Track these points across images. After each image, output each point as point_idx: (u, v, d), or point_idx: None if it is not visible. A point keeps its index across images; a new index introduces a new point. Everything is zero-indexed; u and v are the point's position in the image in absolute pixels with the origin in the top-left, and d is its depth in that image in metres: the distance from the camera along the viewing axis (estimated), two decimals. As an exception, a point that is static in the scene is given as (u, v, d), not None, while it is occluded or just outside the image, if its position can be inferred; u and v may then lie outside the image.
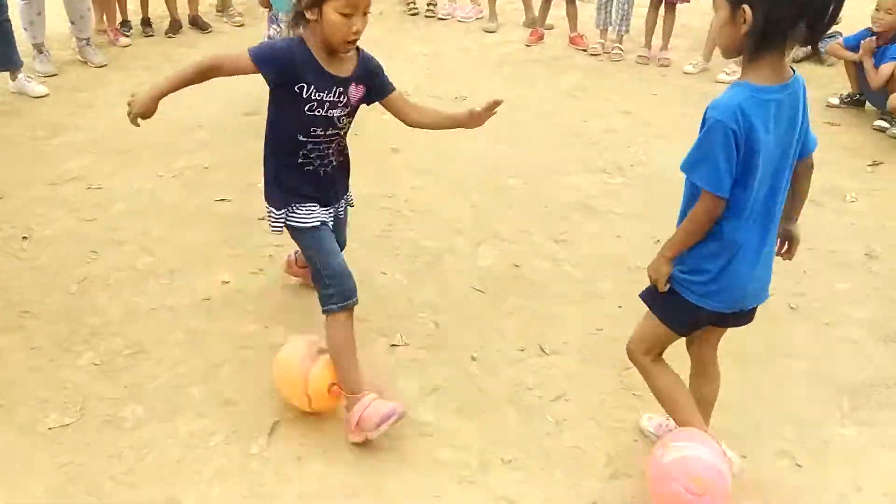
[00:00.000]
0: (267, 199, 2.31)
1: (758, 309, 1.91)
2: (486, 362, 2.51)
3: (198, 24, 5.74)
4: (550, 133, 4.23)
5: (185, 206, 3.39)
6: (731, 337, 2.59)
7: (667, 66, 5.29)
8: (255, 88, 4.62)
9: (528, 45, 5.74)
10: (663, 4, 5.27)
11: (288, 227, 2.26)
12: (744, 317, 1.88)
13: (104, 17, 5.44)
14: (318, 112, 2.14)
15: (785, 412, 2.30)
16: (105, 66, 5.02)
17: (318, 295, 2.22)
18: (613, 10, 5.45)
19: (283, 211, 2.26)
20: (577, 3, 5.75)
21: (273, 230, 2.30)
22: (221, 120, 4.25)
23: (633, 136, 4.20)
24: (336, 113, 2.18)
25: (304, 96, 2.10)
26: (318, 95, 2.11)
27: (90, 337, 2.57)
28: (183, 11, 5.75)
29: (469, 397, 2.37)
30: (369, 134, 4.08)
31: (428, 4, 6.40)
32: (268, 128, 2.28)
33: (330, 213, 2.31)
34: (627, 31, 5.48)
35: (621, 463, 2.13)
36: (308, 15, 2.03)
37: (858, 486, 2.05)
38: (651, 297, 1.94)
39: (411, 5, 6.43)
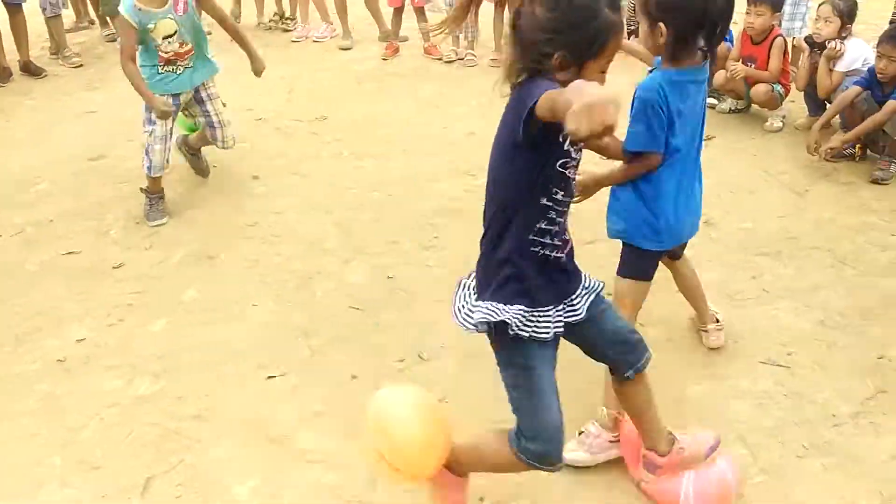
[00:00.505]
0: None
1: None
2: (366, 379, 2.50)
3: (30, 69, 5.38)
4: (413, 143, 4.28)
5: (28, 264, 3.17)
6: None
7: (517, 66, 5.50)
8: (93, 132, 4.44)
9: (384, 59, 5.78)
10: (506, 9, 5.47)
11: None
12: (682, 247, 2.42)
13: None
14: (568, 168, 1.61)
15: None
16: None
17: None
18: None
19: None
20: (427, 13, 5.86)
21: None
22: (62, 168, 4.01)
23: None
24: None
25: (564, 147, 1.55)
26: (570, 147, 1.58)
27: (-70, 421, 2.35)
28: (12, 58, 5.38)
29: (351, 417, 2.35)
30: (228, 164, 3.99)
31: (282, 18, 6.42)
32: (504, 192, 1.65)
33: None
34: (478, 36, 5.64)
35: (503, 455, 2.18)
36: (559, 75, 1.50)
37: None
38: (626, 267, 2.20)
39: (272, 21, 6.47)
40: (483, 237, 1.72)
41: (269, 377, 2.52)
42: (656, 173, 2.06)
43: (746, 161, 3.85)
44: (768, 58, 4.13)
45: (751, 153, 3.93)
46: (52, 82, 5.29)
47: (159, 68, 3.33)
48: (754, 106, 4.38)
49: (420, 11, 5.74)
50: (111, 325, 2.78)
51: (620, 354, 1.84)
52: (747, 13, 4.17)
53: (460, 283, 1.85)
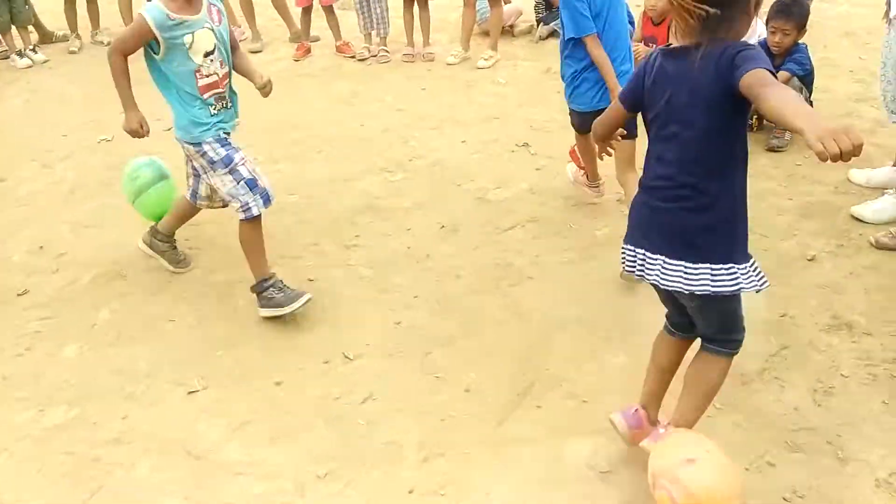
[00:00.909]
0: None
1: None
2: (291, 385, 2.47)
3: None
4: (329, 143, 4.23)
5: (-75, 298, 2.99)
6: (515, 300, 2.78)
7: (432, 60, 5.50)
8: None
9: (296, 60, 5.70)
10: (415, 2, 5.47)
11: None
12: None
13: None
14: None
15: (567, 356, 2.49)
16: None
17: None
18: (373, 14, 5.57)
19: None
20: (336, 11, 5.80)
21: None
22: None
23: (409, 131, 4.32)
24: None
25: None
26: None
27: None
28: None
29: (278, 423, 2.32)
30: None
31: None
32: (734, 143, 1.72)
33: None
34: (388, 33, 5.62)
35: (433, 445, 2.19)
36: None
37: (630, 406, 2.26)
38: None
39: None
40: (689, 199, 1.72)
41: (191, 392, 2.46)
42: None
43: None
44: (668, 38, 4.26)
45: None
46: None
47: (211, 108, 2.62)
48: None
49: (329, 10, 5.68)
50: (19, 354, 2.65)
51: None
52: None
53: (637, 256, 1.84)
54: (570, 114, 3.19)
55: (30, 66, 5.61)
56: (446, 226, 3.33)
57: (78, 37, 5.98)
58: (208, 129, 2.64)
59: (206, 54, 2.58)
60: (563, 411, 2.28)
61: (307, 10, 5.76)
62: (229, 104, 2.74)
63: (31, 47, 5.77)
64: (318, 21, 5.90)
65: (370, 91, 5.04)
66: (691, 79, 1.64)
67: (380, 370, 2.51)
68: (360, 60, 5.62)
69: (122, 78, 2.65)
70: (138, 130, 2.73)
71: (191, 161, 2.83)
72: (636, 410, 2.06)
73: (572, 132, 3.30)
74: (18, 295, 2.97)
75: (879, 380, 2.33)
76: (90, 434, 2.30)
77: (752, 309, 1.99)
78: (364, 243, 3.26)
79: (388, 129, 4.38)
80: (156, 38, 2.53)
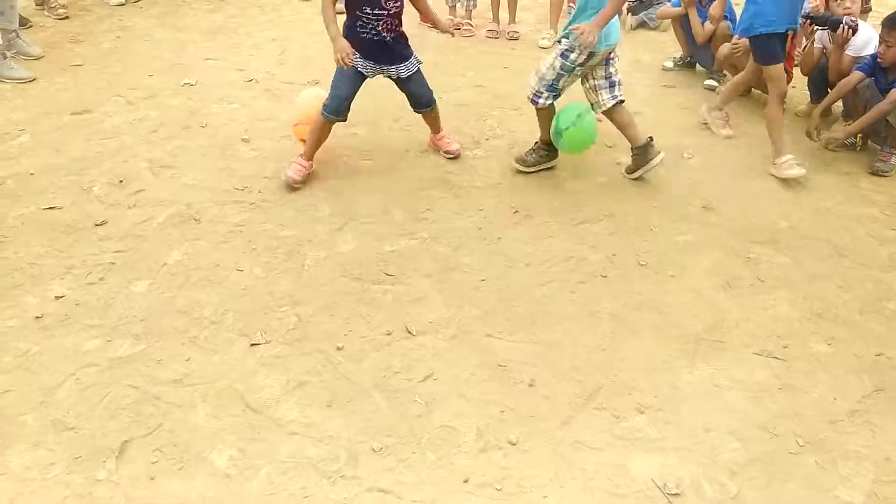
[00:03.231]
0: None
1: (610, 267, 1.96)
2: (351, 350, 2.45)
3: (14, 18, 5.18)
4: (406, 112, 4.16)
5: (8, 218, 3.06)
6: (586, 297, 2.70)
7: (516, 39, 5.37)
8: (77, 86, 4.29)
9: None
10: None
11: None
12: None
13: None
14: None
15: (638, 364, 2.41)
16: (42, 56, 4.64)
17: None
18: (461, -14, 5.47)
19: None
20: (425, -20, 5.70)
21: None
22: (45, 121, 3.87)
23: (487, 109, 4.23)
24: None
25: None
26: None
27: None
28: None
29: (336, 388, 2.30)
30: (217, 125, 3.88)
31: None
32: None
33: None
34: (475, 7, 5.51)
35: (491, 435, 2.14)
36: None
37: (707, 428, 2.17)
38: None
39: None
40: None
41: (253, 344, 2.46)
42: None
43: (748, 145, 3.79)
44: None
45: (752, 137, 3.87)
46: (37, 33, 5.11)
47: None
48: (756, 90, 4.32)
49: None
50: (92, 283, 2.69)
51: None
52: None
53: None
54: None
55: (121, 5, 5.69)
56: (520, 210, 3.25)
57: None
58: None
59: None
60: (632, 421, 2.20)
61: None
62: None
63: (125, -17, 5.84)
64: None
65: (451, 64, 4.95)
66: None
67: (442, 350, 2.47)
68: (442, 32, 5.52)
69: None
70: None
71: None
72: None
73: (657, 127, 3.20)
74: (96, 225, 3.01)
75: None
76: (153, 371, 2.32)
77: None
78: (434, 217, 3.20)
79: (465, 105, 4.30)
80: None
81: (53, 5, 5.45)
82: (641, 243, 3.01)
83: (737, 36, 4.12)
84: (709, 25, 4.38)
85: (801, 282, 2.79)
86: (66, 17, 5.39)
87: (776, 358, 2.43)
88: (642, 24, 5.50)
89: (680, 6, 4.59)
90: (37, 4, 5.56)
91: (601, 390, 2.30)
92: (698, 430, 2.15)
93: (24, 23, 5.16)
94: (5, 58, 4.37)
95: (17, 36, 4.65)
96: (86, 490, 1.93)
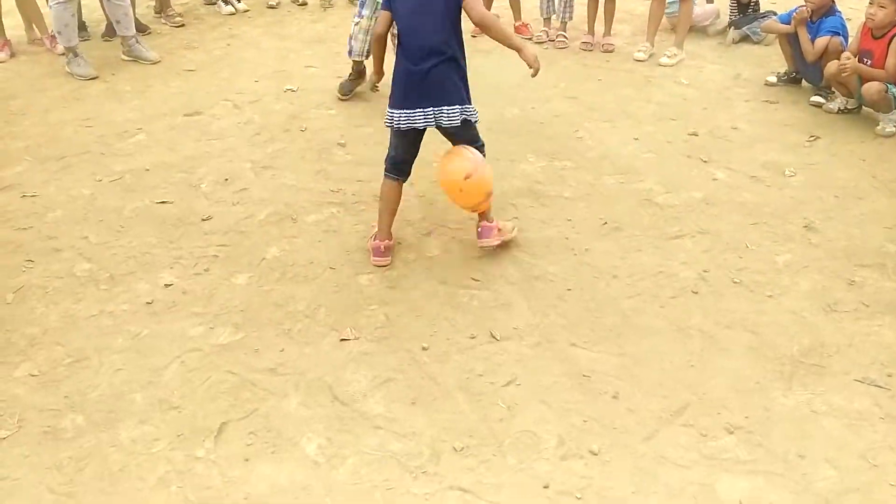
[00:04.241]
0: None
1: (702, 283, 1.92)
2: (436, 351, 2.50)
3: (135, 26, 5.58)
4: (498, 121, 4.22)
5: (125, 210, 3.30)
6: (675, 312, 2.65)
7: (611, 51, 5.33)
8: (190, 90, 4.57)
9: (473, 37, 5.71)
10: (604, -11, 5.31)
11: None
12: None
13: (33, 25, 5.26)
14: None
15: (727, 383, 2.34)
16: (159, 61, 5.01)
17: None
18: (557, -1, 5.48)
19: None
20: (522, -9, 5.75)
21: None
22: (160, 122, 4.15)
23: (579, 120, 4.22)
24: None
25: None
26: None
27: (27, 347, 2.49)
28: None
29: (420, 387, 2.36)
30: (315, 129, 4.05)
31: None
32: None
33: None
34: (571, 19, 5.50)
35: (572, 444, 2.14)
36: None
37: (801, 454, 2.09)
38: None
39: None
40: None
41: (343, 339, 2.55)
42: None
43: (854, 165, 3.62)
44: (886, 55, 3.86)
45: (859, 157, 3.69)
46: (155, 40, 5.47)
47: None
48: (866, 109, 4.11)
49: (516, -11, 5.64)
50: (198, 273, 2.86)
51: None
52: (870, 3, 3.91)
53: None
54: None
55: (232, 14, 6.02)
56: (609, 222, 3.23)
57: (279, -8, 6.34)
58: None
59: None
60: (720, 441, 2.14)
61: (488, -12, 5.76)
62: None
63: (235, -6, 6.18)
64: (498, 0, 5.89)
65: (544, 75, 4.89)
66: None
67: (525, 357, 2.48)
68: (537, 43, 5.55)
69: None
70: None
71: None
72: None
73: (757, 144, 3.08)
74: (203, 220, 3.21)
75: None
76: (251, 359, 2.45)
77: None
78: (522, 226, 3.21)
79: (558, 115, 4.30)
80: None
81: (170, 13, 5.83)
82: (736, 261, 2.92)
83: (845, 56, 3.95)
84: (819, 42, 4.20)
85: (909, 309, 2.65)
86: (182, 25, 5.75)
87: (879, 386, 2.30)
88: (745, 38, 5.34)
89: (788, 21, 4.43)
90: (156, 13, 5.96)
91: (688, 407, 2.25)
92: (791, 456, 2.07)
93: (143, 29, 5.55)
94: (76, 55, 4.73)
95: (137, 41, 5.01)
96: (185, 466, 2.05)
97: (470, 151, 2.84)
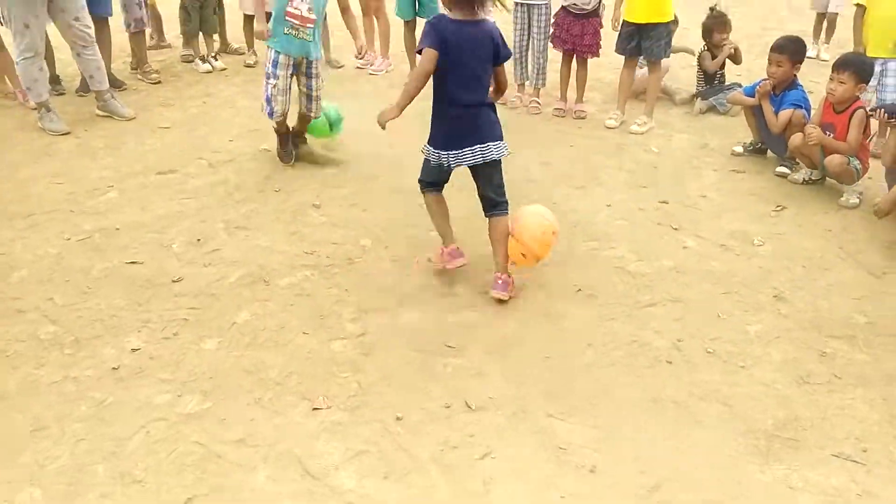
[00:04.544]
0: None
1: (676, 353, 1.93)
2: (410, 421, 2.45)
3: (112, 82, 5.59)
4: (470, 185, 4.26)
5: (93, 270, 3.23)
6: (650, 382, 2.65)
7: (583, 118, 5.47)
8: (165, 147, 4.56)
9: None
10: (575, 58, 5.49)
11: None
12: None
13: (6, 78, 5.24)
14: None
15: (703, 457, 2.33)
16: (134, 118, 5.02)
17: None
18: (529, 65, 5.63)
19: None
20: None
21: None
22: (133, 180, 4.12)
23: (552, 186, 4.29)
24: None
25: None
26: None
27: (-17, 416, 2.38)
28: (96, 69, 5.60)
29: (393, 460, 2.30)
30: (290, 191, 4.04)
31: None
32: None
33: None
34: (544, 85, 5.66)
35: (549, 520, 2.09)
36: None
37: (779, 530, 2.07)
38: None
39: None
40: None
41: (315, 409, 2.49)
42: None
43: (820, 236, 3.72)
44: (848, 128, 4.03)
45: (824, 227, 3.80)
46: (131, 96, 5.48)
47: (285, 29, 3.94)
48: (829, 180, 4.26)
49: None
50: (166, 338, 2.79)
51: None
52: (830, 79, 4.09)
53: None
54: None
55: (209, 72, 6.08)
56: (583, 289, 3.25)
57: (254, 52, 6.43)
58: (276, 42, 3.99)
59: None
60: (696, 517, 2.11)
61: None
62: (306, 38, 4.00)
63: (213, 55, 6.26)
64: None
65: (517, 140, 5.03)
66: None
67: (501, 427, 2.44)
68: (510, 108, 5.68)
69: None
70: (261, 33, 4.02)
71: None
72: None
73: (725, 213, 3.15)
74: (173, 281, 3.15)
75: None
76: (218, 429, 2.37)
77: None
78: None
79: (532, 181, 4.37)
80: None
81: (147, 70, 5.86)
82: (709, 330, 2.95)
83: (808, 128, 4.11)
84: (783, 114, 4.37)
85: (880, 381, 2.67)
86: (159, 82, 5.78)
87: (855, 461, 2.31)
88: (711, 109, 5.54)
89: (753, 93, 4.61)
90: (132, 69, 5.99)
91: (665, 483, 2.22)
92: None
93: (118, 85, 5.56)
94: (49, 110, 4.72)
95: (112, 97, 5.01)
96: (147, 546, 1.96)
97: (543, 209, 3.26)
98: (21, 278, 3.15)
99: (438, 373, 2.69)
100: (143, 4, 5.65)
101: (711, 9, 5.74)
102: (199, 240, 3.51)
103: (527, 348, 2.84)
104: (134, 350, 2.72)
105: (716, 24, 5.64)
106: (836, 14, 6.87)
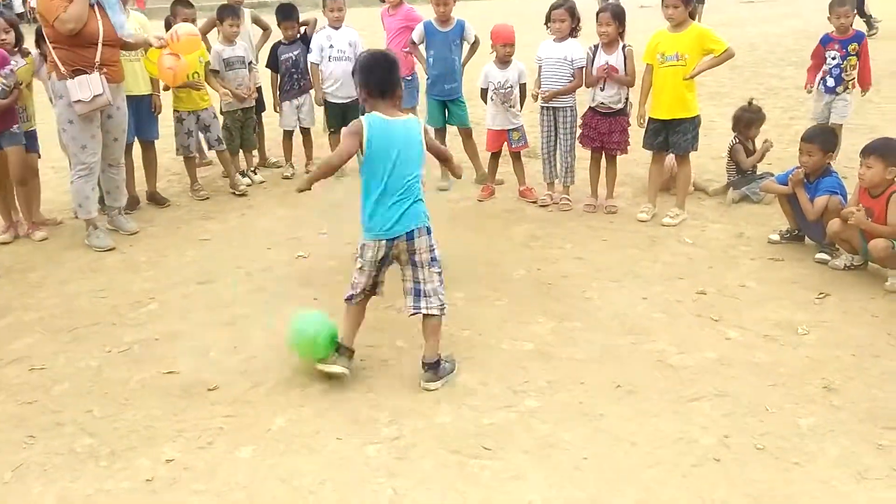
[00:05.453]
0: None
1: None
2: (448, 532, 2.35)
3: (156, 199, 5.88)
4: (506, 283, 4.28)
5: (131, 381, 3.27)
6: (699, 483, 2.50)
7: (614, 212, 5.50)
8: (204, 258, 4.70)
9: (480, 201, 5.95)
10: (604, 156, 5.59)
11: None
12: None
13: (31, 207, 5.23)
14: None
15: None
16: (138, 231, 5.19)
17: None
18: (558, 163, 5.75)
19: None
20: (523, 159, 6.06)
21: None
22: (174, 291, 4.23)
23: (587, 281, 4.27)
24: None
25: None
26: None
27: (17, 534, 2.36)
28: (141, 188, 5.92)
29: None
30: (327, 295, 4.09)
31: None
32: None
33: None
34: (573, 183, 5.74)
35: None
36: None
37: None
38: None
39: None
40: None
41: (349, 519, 2.41)
42: None
43: (867, 323, 3.58)
44: (886, 212, 3.96)
45: (871, 314, 3.67)
46: (174, 211, 5.73)
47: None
48: (872, 265, 4.15)
49: (516, 156, 5.95)
50: (201, 447, 2.78)
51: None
52: (860, 164, 4.08)
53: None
54: None
55: (249, 185, 6.35)
56: (622, 385, 3.16)
57: (292, 165, 6.72)
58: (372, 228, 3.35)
59: None
60: None
61: (495, 156, 6.07)
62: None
63: (252, 169, 6.56)
64: (504, 166, 6.19)
65: (550, 237, 5.10)
66: None
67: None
68: (541, 206, 5.76)
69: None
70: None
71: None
72: None
73: (767, 302, 3.06)
74: (209, 390, 3.17)
75: None
76: (251, 545, 2.30)
77: None
78: (533, 390, 3.15)
79: (566, 276, 4.36)
80: None
81: (196, 188, 6.13)
82: (758, 425, 2.81)
83: (848, 210, 4.06)
84: (819, 202, 4.33)
85: (946, 475, 2.49)
86: (207, 198, 6.03)
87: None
88: (745, 198, 5.52)
89: (786, 182, 4.60)
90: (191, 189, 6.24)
91: None
92: None
93: (162, 202, 5.83)
94: (96, 227, 4.94)
95: (119, 213, 5.23)
96: None
97: None
98: (62, 391, 3.21)
99: (475, 476, 2.60)
100: (191, 133, 6.00)
101: (749, 102, 5.85)
102: (235, 347, 3.55)
103: (566, 449, 2.74)
104: (168, 461, 2.70)
105: (754, 120, 5.73)
106: (839, 126, 6.72)
